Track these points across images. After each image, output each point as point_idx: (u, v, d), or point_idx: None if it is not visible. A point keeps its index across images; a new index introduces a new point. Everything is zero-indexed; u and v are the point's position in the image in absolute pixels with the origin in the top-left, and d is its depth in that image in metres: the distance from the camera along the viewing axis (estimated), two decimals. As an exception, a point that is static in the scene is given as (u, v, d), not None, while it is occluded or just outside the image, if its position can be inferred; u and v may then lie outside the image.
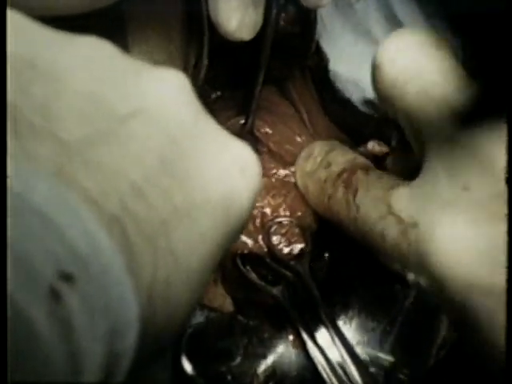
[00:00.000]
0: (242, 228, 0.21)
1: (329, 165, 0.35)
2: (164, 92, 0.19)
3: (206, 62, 0.36)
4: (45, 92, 0.16)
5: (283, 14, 0.36)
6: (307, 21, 0.37)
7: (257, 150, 0.43)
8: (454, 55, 0.26)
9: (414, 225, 0.26)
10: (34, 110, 0.16)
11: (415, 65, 0.26)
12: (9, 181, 0.13)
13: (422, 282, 0.27)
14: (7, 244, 0.13)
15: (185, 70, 0.37)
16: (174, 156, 0.18)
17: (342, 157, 0.35)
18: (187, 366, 0.36)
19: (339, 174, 0.34)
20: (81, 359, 0.13)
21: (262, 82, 0.38)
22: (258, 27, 0.34)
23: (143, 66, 0.19)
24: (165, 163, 0.18)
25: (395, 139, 0.35)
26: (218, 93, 0.42)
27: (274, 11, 0.35)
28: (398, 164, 0.34)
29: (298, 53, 0.39)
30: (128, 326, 0.14)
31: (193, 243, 0.18)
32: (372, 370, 0.38)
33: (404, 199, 0.28)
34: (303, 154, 0.39)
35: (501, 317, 0.22)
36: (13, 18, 0.17)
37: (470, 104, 0.24)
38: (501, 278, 0.22)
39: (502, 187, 0.23)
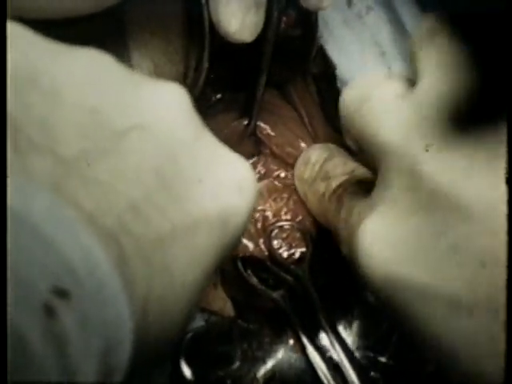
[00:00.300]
0: (238, 241, 0.21)
1: (327, 177, 0.35)
2: (163, 107, 0.19)
3: (206, 64, 0.35)
4: (44, 106, 0.16)
5: (284, 18, 0.36)
6: (308, 24, 0.37)
7: (259, 152, 0.43)
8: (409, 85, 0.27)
9: (354, 230, 0.26)
10: (32, 124, 0.16)
11: (361, 97, 0.28)
12: (7, 197, 0.13)
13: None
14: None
15: (185, 72, 0.37)
16: (172, 172, 0.18)
17: (341, 168, 0.35)
18: (186, 371, 0.36)
19: (335, 190, 0.34)
20: (74, 374, 0.13)
21: (264, 85, 0.38)
22: (259, 29, 0.33)
23: (142, 79, 0.19)
24: (162, 179, 0.18)
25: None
26: (220, 95, 0.42)
27: (276, 13, 0.35)
28: None
29: (299, 56, 0.39)
30: (122, 341, 0.14)
31: (189, 259, 0.18)
32: (372, 374, 0.38)
33: (356, 210, 0.28)
34: (301, 158, 0.38)
35: (421, 309, 0.21)
36: (13, 30, 0.17)
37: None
38: (414, 273, 0.22)
39: (413, 182, 0.23)
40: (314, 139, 0.42)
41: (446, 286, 0.20)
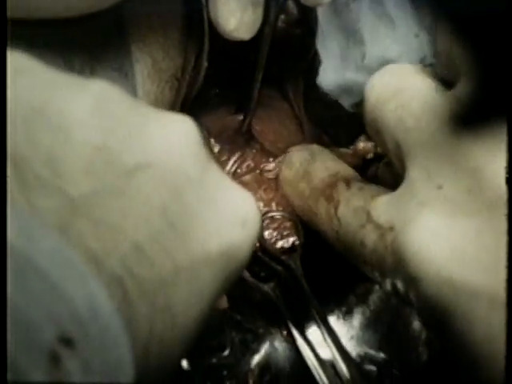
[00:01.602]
0: (241, 273, 0.21)
1: (310, 178, 0.35)
2: (170, 142, 0.19)
3: (206, 63, 0.36)
4: (51, 141, 0.16)
5: (283, 16, 0.36)
6: (307, 22, 0.37)
7: (251, 147, 0.43)
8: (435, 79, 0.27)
9: (391, 228, 0.26)
10: (41, 162, 0.16)
11: (395, 85, 0.27)
12: (12, 237, 0.13)
13: (399, 287, 0.26)
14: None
15: (183, 68, 0.37)
16: (177, 210, 0.18)
17: (324, 170, 0.35)
18: (183, 362, 0.37)
19: (321, 190, 0.34)
20: None
21: (260, 81, 0.38)
22: (256, 27, 0.33)
23: (150, 111, 0.19)
24: (168, 218, 0.17)
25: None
26: (217, 90, 0.42)
27: (274, 11, 0.35)
28: (388, 172, 0.35)
29: (297, 54, 0.39)
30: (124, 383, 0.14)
31: (191, 298, 0.18)
32: (365, 366, 0.39)
33: (382, 206, 0.27)
34: (284, 161, 0.38)
35: (478, 314, 0.21)
36: (20, 62, 0.17)
37: (452, 110, 0.24)
38: (475, 275, 0.21)
39: (475, 183, 0.23)
40: (302, 136, 0.42)
41: (502, 288, 0.20)
